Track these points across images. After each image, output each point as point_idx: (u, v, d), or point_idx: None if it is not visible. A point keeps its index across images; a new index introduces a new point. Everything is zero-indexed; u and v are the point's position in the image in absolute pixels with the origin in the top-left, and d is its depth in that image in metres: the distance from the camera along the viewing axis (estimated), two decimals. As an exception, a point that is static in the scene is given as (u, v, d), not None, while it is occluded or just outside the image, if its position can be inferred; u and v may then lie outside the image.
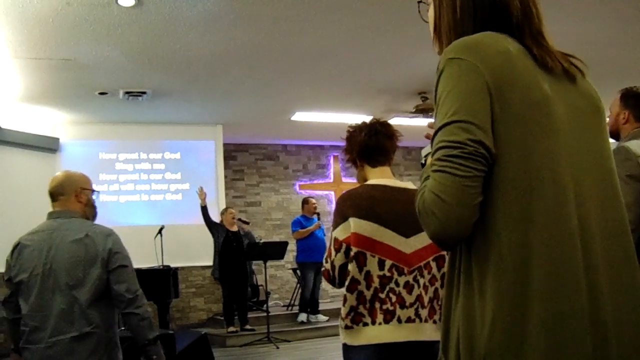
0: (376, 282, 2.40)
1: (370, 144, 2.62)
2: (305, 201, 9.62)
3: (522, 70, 1.24)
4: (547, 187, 1.18)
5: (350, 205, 2.47)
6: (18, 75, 6.77)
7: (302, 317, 9.13)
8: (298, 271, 9.55)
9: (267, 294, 9.07)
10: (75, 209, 2.98)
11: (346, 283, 2.43)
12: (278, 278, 11.07)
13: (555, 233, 1.16)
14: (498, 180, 1.18)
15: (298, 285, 9.49)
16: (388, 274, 2.41)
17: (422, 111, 8.57)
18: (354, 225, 2.42)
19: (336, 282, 2.50)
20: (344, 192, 2.61)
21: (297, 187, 11.57)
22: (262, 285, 9.49)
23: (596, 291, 1.18)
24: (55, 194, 3.01)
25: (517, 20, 1.32)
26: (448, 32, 1.37)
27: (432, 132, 1.28)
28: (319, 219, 9.20)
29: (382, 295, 2.39)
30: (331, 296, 11.35)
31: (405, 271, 2.42)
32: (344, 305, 2.43)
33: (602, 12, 5.75)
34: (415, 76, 7.40)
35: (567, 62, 1.33)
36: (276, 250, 8.60)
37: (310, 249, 8.96)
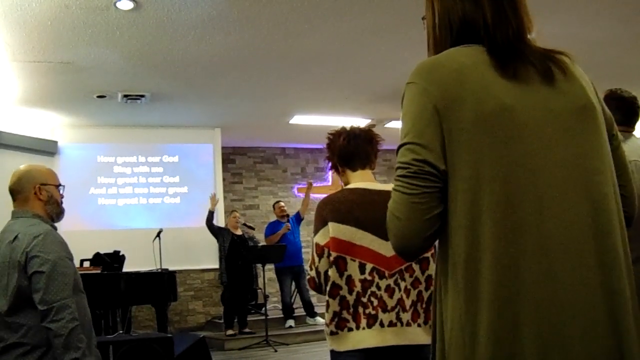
0: (358, 287, 2.38)
1: (350, 149, 2.61)
2: (274, 205, 9.64)
3: (474, 85, 1.26)
4: (498, 201, 1.20)
5: (330, 210, 2.47)
6: (16, 79, 6.77)
7: (290, 322, 9.10)
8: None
9: (266, 297, 9.06)
10: (34, 207, 2.67)
11: (327, 289, 2.41)
12: (276, 281, 11.05)
13: (505, 246, 1.19)
14: (451, 194, 1.24)
15: (295, 289, 9.48)
16: (369, 278, 2.39)
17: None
18: (333, 229, 2.42)
19: (323, 289, 2.46)
20: (323, 197, 2.60)
21: (295, 191, 11.57)
22: (260, 289, 9.48)
23: (552, 302, 1.17)
24: (13, 192, 2.71)
25: (486, 30, 1.33)
26: (432, 51, 1.43)
27: None
28: (287, 221, 9.18)
29: (365, 300, 2.38)
30: (329, 299, 11.35)
31: (386, 274, 2.41)
32: (327, 311, 2.42)
33: (601, 13, 5.76)
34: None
35: (545, 64, 1.32)
36: (274, 253, 8.59)
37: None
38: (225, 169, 10.51)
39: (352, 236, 2.41)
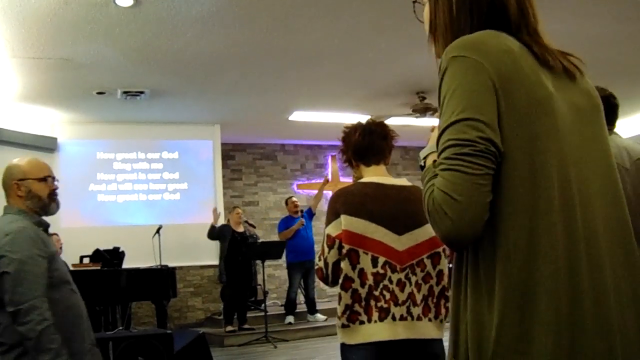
0: (370, 280, 2.39)
1: (364, 144, 2.63)
2: (286, 201, 9.63)
3: (526, 68, 1.23)
4: (553, 187, 1.18)
5: (343, 202, 2.48)
6: (16, 75, 6.77)
7: (290, 318, 9.10)
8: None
9: (265, 293, 9.07)
10: (16, 203, 2.65)
11: (340, 281, 2.42)
12: (276, 278, 11.07)
13: (561, 234, 1.16)
14: (504, 178, 1.17)
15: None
16: (381, 271, 2.40)
17: (420, 111, 8.57)
18: (345, 222, 2.42)
19: (329, 280, 2.48)
20: (337, 189, 2.62)
21: (295, 187, 11.58)
22: (260, 285, 9.49)
23: (600, 292, 1.17)
24: (3, 189, 2.72)
25: (514, 18, 1.32)
26: (444, 32, 1.35)
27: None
28: (302, 217, 9.20)
29: (377, 293, 2.39)
30: (329, 295, 11.35)
31: (398, 268, 2.42)
32: (339, 304, 2.43)
33: (600, 12, 5.76)
34: (414, 76, 7.40)
35: (566, 61, 1.33)
36: (274, 249, 8.60)
37: (296, 250, 8.97)
38: (224, 166, 10.51)
39: (364, 229, 2.42)
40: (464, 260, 1.25)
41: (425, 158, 1.48)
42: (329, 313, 9.40)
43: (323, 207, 11.10)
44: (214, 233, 8.67)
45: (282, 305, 10.08)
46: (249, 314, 8.95)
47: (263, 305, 8.85)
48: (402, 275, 2.41)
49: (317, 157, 11.84)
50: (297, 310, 9.28)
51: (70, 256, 7.56)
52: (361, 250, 2.40)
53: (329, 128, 10.08)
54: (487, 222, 1.17)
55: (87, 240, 8.16)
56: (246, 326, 8.64)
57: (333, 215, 2.49)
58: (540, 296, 1.13)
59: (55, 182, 2.77)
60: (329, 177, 11.76)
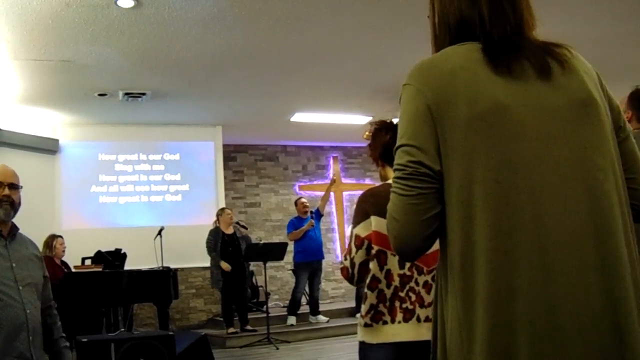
0: (396, 281, 2.41)
1: (394, 147, 2.63)
2: (296, 202, 9.63)
3: (468, 85, 1.26)
4: (491, 200, 1.20)
5: (372, 203, 2.48)
6: (17, 77, 6.78)
7: (292, 320, 9.08)
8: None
9: (267, 295, 9.07)
10: None
11: (367, 281, 2.44)
12: (278, 279, 11.07)
13: (499, 245, 1.18)
14: (446, 194, 1.25)
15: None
16: (408, 273, 2.42)
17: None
18: (375, 223, 2.43)
19: (354, 280, 2.51)
20: (365, 190, 2.63)
21: (296, 188, 11.57)
22: (262, 287, 9.49)
23: (551, 304, 1.16)
24: None
25: (482, 27, 1.33)
26: (434, 48, 1.43)
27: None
28: (312, 217, 9.20)
29: (402, 294, 2.41)
30: (331, 297, 11.36)
31: (425, 270, 2.44)
32: (364, 303, 2.45)
33: (601, 11, 5.76)
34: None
35: (542, 58, 1.30)
36: (276, 251, 8.59)
37: (305, 250, 8.97)
38: (226, 167, 10.51)
39: None
40: (438, 267, 1.36)
41: None
42: (331, 314, 9.41)
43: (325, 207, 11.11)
44: (211, 243, 8.60)
45: (284, 307, 10.09)
46: (251, 316, 8.94)
47: (265, 306, 8.85)
48: (428, 277, 2.43)
49: (319, 158, 11.84)
50: (300, 312, 9.27)
51: (72, 258, 7.58)
52: (389, 252, 2.41)
53: (330, 129, 10.11)
54: (442, 232, 1.27)
55: (89, 241, 8.16)
56: (248, 328, 8.62)
57: (362, 216, 2.50)
58: (477, 304, 1.19)
59: (7, 189, 2.79)
60: (331, 178, 11.77)
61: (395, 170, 1.29)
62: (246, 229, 9.29)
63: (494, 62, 1.28)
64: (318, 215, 9.45)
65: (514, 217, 1.19)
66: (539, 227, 1.18)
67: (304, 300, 9.49)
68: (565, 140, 1.25)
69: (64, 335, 2.87)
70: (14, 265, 2.64)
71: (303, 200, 9.51)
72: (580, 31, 5.96)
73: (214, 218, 8.90)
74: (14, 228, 2.79)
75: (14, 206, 2.81)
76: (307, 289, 9.40)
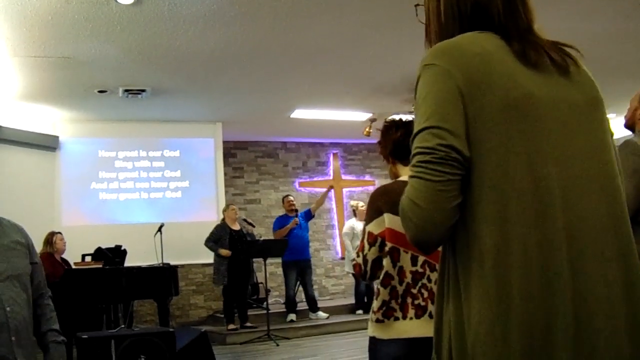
0: (409, 278, 2.43)
1: (405, 144, 2.63)
2: (283, 199, 9.64)
3: (500, 71, 1.24)
4: (525, 189, 1.18)
5: (386, 200, 2.48)
6: (17, 74, 6.77)
7: (291, 316, 9.12)
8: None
9: (267, 291, 9.07)
10: None
11: (380, 277, 2.46)
12: (278, 275, 11.04)
13: (534, 235, 1.17)
14: (476, 182, 1.20)
15: (297, 283, 9.49)
16: (421, 270, 2.43)
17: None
18: (389, 220, 2.44)
19: (367, 276, 2.52)
20: (378, 187, 2.64)
21: (296, 185, 11.58)
22: (262, 283, 9.49)
23: (583, 291, 1.17)
24: None
25: (499, 18, 1.32)
26: (435, 38, 1.39)
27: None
28: (296, 216, 9.20)
29: (414, 291, 2.42)
30: (331, 293, 11.37)
31: (437, 267, 2.44)
32: (376, 299, 2.46)
33: (602, 7, 5.75)
34: (415, 73, 7.35)
35: (558, 54, 1.31)
36: (276, 247, 8.60)
37: (290, 248, 8.88)
38: (226, 164, 10.51)
39: None
40: (445, 261, 1.30)
41: None
42: (331, 311, 9.41)
43: (325, 204, 11.11)
44: (213, 237, 8.62)
45: (284, 303, 10.10)
46: (251, 312, 8.95)
47: (265, 303, 8.86)
48: None
49: (319, 154, 11.83)
50: (299, 309, 9.28)
51: (72, 254, 7.58)
52: (402, 248, 2.43)
53: (330, 126, 10.10)
54: (462, 224, 1.21)
55: (89, 238, 8.16)
56: (248, 324, 8.63)
57: (375, 213, 2.50)
58: (514, 297, 1.15)
59: None
60: (331, 175, 11.78)
61: (419, 153, 1.21)
62: (253, 226, 9.30)
63: (520, 52, 1.27)
64: (308, 215, 9.47)
65: (549, 207, 1.18)
66: (570, 219, 1.19)
67: (300, 298, 9.50)
68: (583, 135, 1.27)
69: (54, 328, 2.62)
70: None
71: (290, 198, 9.52)
72: (581, 28, 5.95)
73: (215, 215, 8.90)
74: None
75: None
76: (301, 286, 9.42)
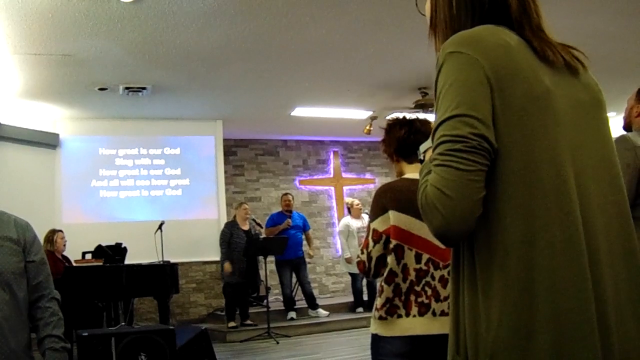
0: (412, 275, 2.44)
1: (409, 142, 2.64)
2: (281, 196, 9.63)
3: (522, 64, 1.23)
4: (550, 182, 1.17)
5: (390, 198, 2.50)
6: (17, 71, 6.77)
7: (292, 314, 9.12)
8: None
9: (267, 289, 9.08)
10: None
11: (384, 275, 2.47)
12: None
13: (559, 228, 1.15)
14: (500, 174, 1.17)
15: (296, 282, 9.49)
16: (425, 268, 2.44)
17: (422, 106, 8.56)
18: (394, 218, 2.46)
19: (371, 274, 2.53)
20: (382, 184, 2.65)
21: (297, 183, 11.58)
22: (262, 281, 9.50)
23: (600, 287, 1.17)
24: None
25: (515, 14, 1.32)
26: (444, 28, 1.35)
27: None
28: (290, 217, 9.18)
29: (418, 288, 2.43)
30: (331, 291, 11.37)
31: (441, 265, 2.45)
32: (379, 296, 2.47)
33: (603, 5, 5.75)
34: (415, 71, 7.39)
35: (568, 55, 1.33)
36: (276, 245, 8.60)
37: None
38: (227, 161, 10.51)
39: (411, 226, 2.45)
40: (460, 255, 1.26)
41: (425, 152, 1.48)
42: (332, 309, 9.41)
43: (325, 202, 11.09)
44: (225, 237, 8.60)
45: (283, 302, 10.11)
46: (251, 310, 8.96)
47: (265, 301, 8.86)
48: (444, 272, 2.44)
49: (319, 152, 11.83)
50: (299, 306, 9.29)
51: (72, 252, 7.58)
52: (406, 246, 2.44)
53: (331, 124, 10.10)
54: (483, 218, 1.17)
55: (89, 236, 8.16)
56: (248, 322, 8.64)
57: (380, 210, 2.51)
58: (539, 292, 1.13)
59: None
60: (331, 173, 11.79)
61: (448, 141, 1.16)
62: (261, 227, 9.29)
63: (539, 49, 1.27)
64: (304, 225, 9.43)
65: (572, 203, 1.18)
66: (586, 213, 1.20)
67: (299, 296, 9.50)
68: (592, 133, 1.29)
69: (54, 333, 2.40)
70: None
71: (288, 197, 9.47)
72: (582, 25, 5.95)
73: (215, 213, 8.90)
74: None
75: None
76: (298, 284, 9.42)
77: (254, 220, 9.18)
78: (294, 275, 9.24)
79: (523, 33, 1.30)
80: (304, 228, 9.44)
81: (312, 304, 9.24)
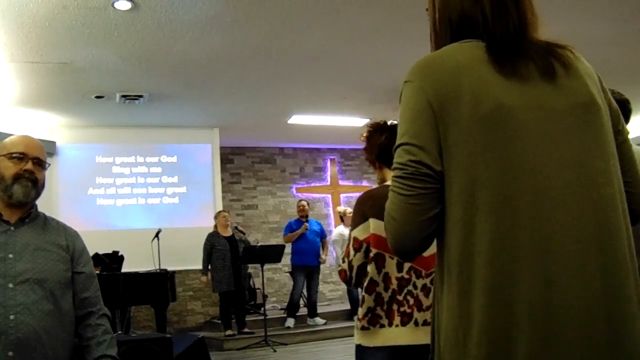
0: (394, 284, 2.39)
1: (390, 148, 2.62)
2: (297, 204, 9.66)
3: (469, 84, 1.23)
4: (493, 201, 1.18)
5: (371, 205, 2.45)
6: (14, 79, 6.77)
7: (290, 322, 9.09)
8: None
9: (265, 297, 9.05)
10: None
11: (365, 284, 2.42)
12: (275, 281, 11.06)
13: (500, 247, 1.17)
14: (447, 195, 1.23)
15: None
16: (406, 276, 2.40)
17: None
18: (374, 226, 2.41)
19: (352, 283, 2.48)
20: (364, 192, 2.60)
21: (294, 190, 11.58)
22: (259, 289, 9.48)
23: (551, 309, 1.14)
24: None
25: (485, 25, 1.31)
26: (434, 45, 1.41)
27: None
28: (306, 221, 9.21)
29: (400, 298, 2.38)
30: (328, 299, 11.36)
31: (423, 274, 2.41)
32: (361, 306, 2.43)
33: (602, 11, 5.76)
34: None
35: (546, 59, 1.28)
36: (273, 253, 8.58)
37: (300, 252, 9.00)
38: (223, 169, 10.51)
39: None
40: (436, 268, 1.34)
41: None
42: (328, 317, 9.40)
43: (322, 210, 11.10)
44: (208, 247, 8.61)
45: (282, 309, 10.08)
46: (248, 318, 8.94)
47: (262, 309, 8.84)
48: (427, 281, 2.40)
49: (316, 160, 11.84)
50: (297, 314, 9.27)
51: (69, 260, 7.56)
52: (387, 254, 2.39)
53: (328, 131, 10.11)
54: (441, 233, 1.25)
55: (86, 244, 8.11)
56: (245, 330, 8.62)
57: (361, 218, 2.47)
58: (474, 308, 1.18)
59: (30, 164, 2.32)
60: (328, 181, 11.80)
61: (395, 169, 1.27)
62: (243, 233, 9.27)
63: (499, 61, 1.26)
64: (321, 233, 9.44)
65: (517, 220, 1.17)
66: (541, 230, 1.17)
67: (302, 302, 9.50)
68: (567, 143, 1.23)
69: (109, 354, 2.21)
70: (9, 256, 2.10)
71: (302, 203, 9.50)
72: (581, 31, 5.96)
73: (212, 220, 8.89)
74: (32, 212, 2.33)
75: (37, 186, 2.31)
76: (305, 291, 9.41)
77: (236, 227, 9.16)
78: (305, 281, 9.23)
79: (492, 44, 1.29)
80: (322, 235, 9.43)
81: (312, 312, 9.24)
